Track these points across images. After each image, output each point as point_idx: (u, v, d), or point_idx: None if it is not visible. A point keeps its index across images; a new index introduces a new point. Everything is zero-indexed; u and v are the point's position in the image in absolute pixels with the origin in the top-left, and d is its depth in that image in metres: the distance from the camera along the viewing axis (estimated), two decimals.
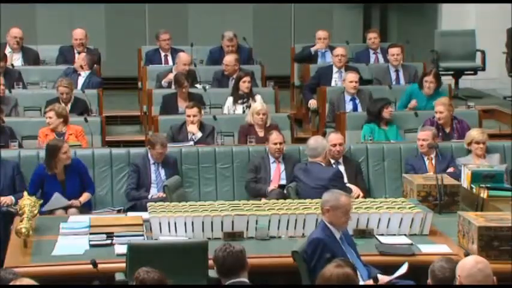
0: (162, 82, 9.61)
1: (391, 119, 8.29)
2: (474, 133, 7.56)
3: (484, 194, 6.32)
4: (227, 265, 4.41)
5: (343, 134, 8.01)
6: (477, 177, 6.48)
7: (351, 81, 9.09)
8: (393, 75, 9.93)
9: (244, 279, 4.41)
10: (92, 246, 5.60)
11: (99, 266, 5.23)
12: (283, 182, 7.31)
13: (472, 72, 11.85)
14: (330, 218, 5.12)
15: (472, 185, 6.49)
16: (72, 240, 5.73)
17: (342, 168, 7.29)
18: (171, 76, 9.54)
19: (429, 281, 4.25)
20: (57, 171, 7.01)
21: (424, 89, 8.98)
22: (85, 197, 7.05)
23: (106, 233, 5.65)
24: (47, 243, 5.69)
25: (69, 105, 8.64)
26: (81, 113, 8.70)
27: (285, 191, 7.01)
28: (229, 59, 9.76)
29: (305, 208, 5.91)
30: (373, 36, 10.74)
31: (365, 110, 8.74)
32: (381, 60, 10.68)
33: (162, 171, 7.35)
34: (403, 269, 5.01)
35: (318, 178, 6.67)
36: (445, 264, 4.22)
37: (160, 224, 5.75)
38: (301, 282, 5.11)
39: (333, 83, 9.85)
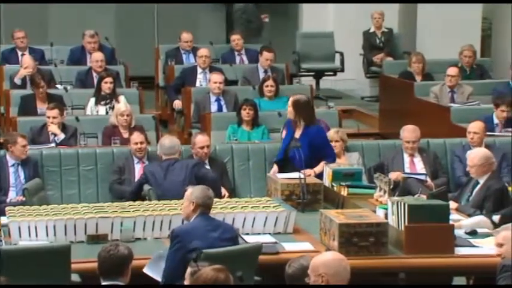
0: (15, 79, 9.34)
1: (248, 120, 8.35)
2: (329, 132, 7.77)
3: (344, 192, 6.52)
4: (105, 267, 4.40)
5: (208, 134, 8.04)
6: (338, 176, 6.67)
7: (215, 82, 9.14)
8: (262, 76, 10.03)
9: (120, 283, 4.36)
10: None
11: None
12: None
13: (331, 73, 12.20)
14: None
15: (333, 184, 6.67)
16: None
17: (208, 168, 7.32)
18: (22, 72, 9.30)
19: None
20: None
21: (265, 93, 9.14)
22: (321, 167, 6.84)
23: None
24: None
25: None
26: None
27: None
28: (98, 55, 9.63)
29: (171, 209, 5.89)
30: (236, 38, 10.91)
31: (230, 110, 8.80)
32: (246, 61, 10.79)
33: (22, 174, 7.12)
34: None
35: (184, 168, 6.76)
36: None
37: (19, 228, 5.56)
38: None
39: (197, 84, 9.86)
